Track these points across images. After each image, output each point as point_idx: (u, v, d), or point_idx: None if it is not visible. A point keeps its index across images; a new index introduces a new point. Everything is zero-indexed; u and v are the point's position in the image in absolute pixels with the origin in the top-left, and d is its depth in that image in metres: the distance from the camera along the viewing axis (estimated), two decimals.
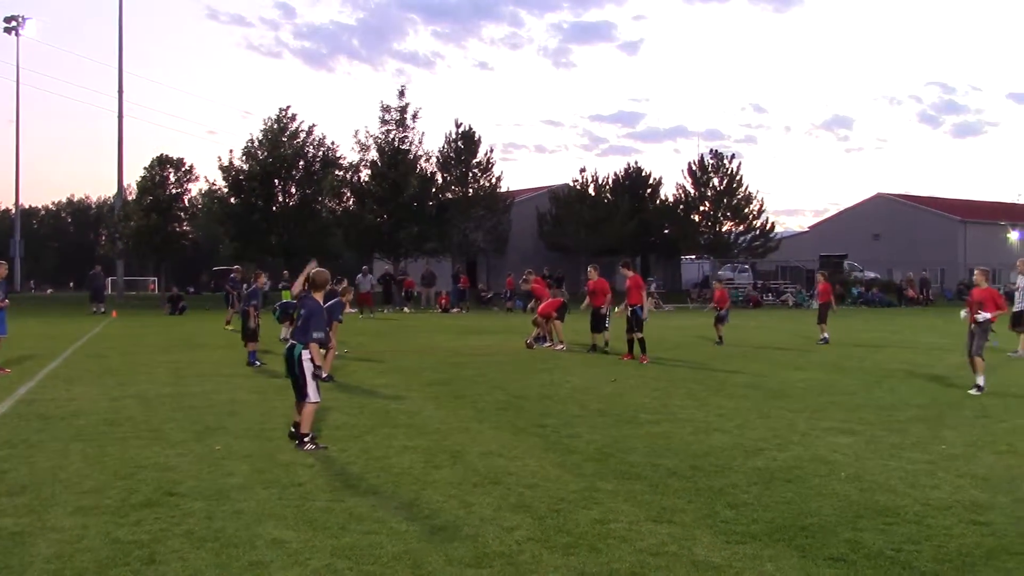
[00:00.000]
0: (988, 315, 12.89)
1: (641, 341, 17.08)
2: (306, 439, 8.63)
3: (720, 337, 21.35)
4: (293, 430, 8.91)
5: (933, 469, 7.74)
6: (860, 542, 5.63)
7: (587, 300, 19.56)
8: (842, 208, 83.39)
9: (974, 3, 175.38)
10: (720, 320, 21.61)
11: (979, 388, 12.55)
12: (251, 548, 5.46)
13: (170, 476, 7.38)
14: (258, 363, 15.82)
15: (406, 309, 40.84)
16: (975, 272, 13.99)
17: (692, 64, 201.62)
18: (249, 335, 16.15)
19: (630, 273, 18.13)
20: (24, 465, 7.80)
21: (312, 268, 9.27)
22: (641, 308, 17.46)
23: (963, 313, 13.28)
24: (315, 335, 8.81)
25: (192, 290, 60.87)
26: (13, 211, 79.95)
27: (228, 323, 26.39)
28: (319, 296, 9.13)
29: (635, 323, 17.31)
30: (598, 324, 19.09)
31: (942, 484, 7.19)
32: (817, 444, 8.87)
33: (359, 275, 38.47)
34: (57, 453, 8.34)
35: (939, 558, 5.33)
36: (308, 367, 8.74)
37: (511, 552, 5.41)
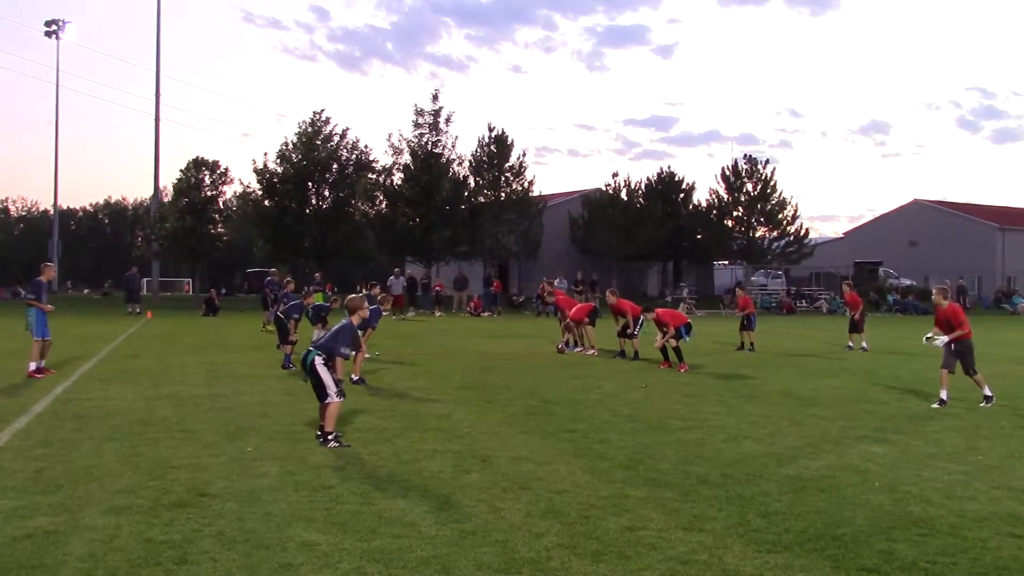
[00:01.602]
0: (945, 339, 12.47)
1: (677, 349, 16.84)
2: (330, 436, 8.84)
3: (749, 344, 21.24)
4: (319, 433, 9.03)
5: (969, 480, 7.64)
6: (894, 553, 5.56)
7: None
8: (878, 214, 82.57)
9: (1015, 7, 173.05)
10: (746, 327, 21.47)
11: (988, 399, 12.28)
12: (281, 550, 5.48)
13: (202, 477, 7.44)
14: (293, 367, 15.88)
15: (437, 312, 40.92)
16: (933, 291, 13.48)
17: (727, 68, 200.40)
18: (285, 339, 16.23)
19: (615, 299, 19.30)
20: (60, 464, 7.89)
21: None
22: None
23: (934, 339, 12.80)
24: (342, 350, 9.20)
25: (225, 291, 61.35)
26: (52, 212, 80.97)
27: (265, 325, 26.52)
28: (354, 319, 9.63)
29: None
30: (624, 330, 19.03)
31: (978, 495, 7.09)
32: (850, 453, 8.78)
33: (391, 277, 38.74)
34: (92, 452, 8.43)
35: (975, 571, 5.25)
36: (323, 371, 8.98)
37: (540, 558, 5.40)
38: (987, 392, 12.29)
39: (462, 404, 11.93)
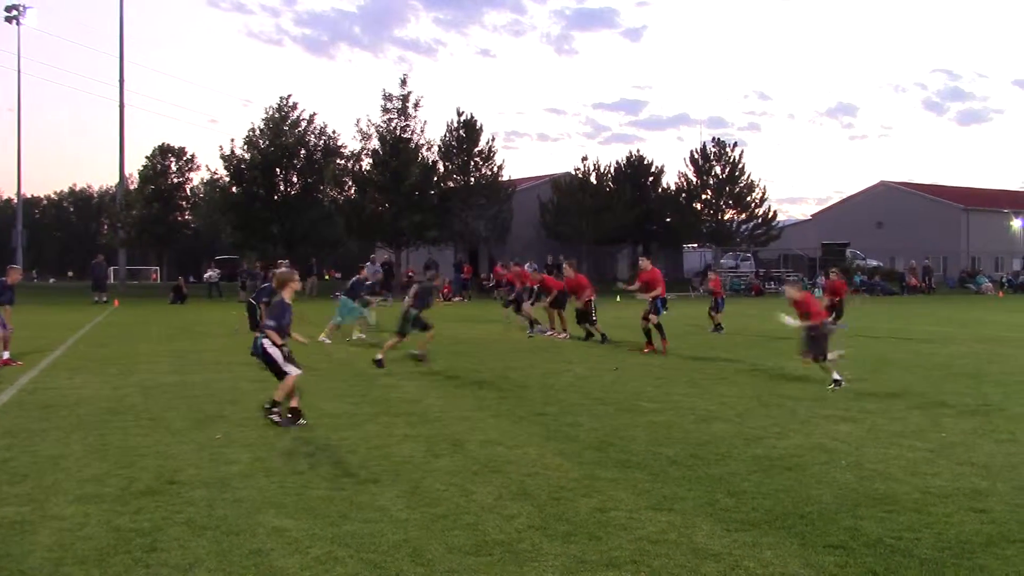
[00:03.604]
0: (793, 321, 12.33)
1: (659, 326, 16.74)
2: (275, 409, 9.13)
3: (719, 324, 21.36)
4: (268, 404, 9.27)
5: (933, 457, 7.74)
6: (860, 530, 5.63)
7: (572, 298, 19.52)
8: (845, 196, 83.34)
9: None
10: (716, 308, 21.63)
11: (837, 383, 11.81)
12: (252, 536, 5.47)
13: (171, 464, 7.40)
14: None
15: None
16: (786, 288, 13.32)
17: (696, 51, 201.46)
18: (255, 324, 16.08)
19: (650, 266, 17.81)
20: (26, 454, 7.81)
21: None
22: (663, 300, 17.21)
23: (787, 319, 12.53)
24: (268, 322, 9.43)
25: (193, 279, 60.96)
26: (15, 201, 79.93)
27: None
28: (285, 293, 9.69)
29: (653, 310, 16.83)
30: (583, 316, 18.99)
31: (942, 472, 7.19)
32: (817, 432, 8.87)
33: (368, 263, 38.67)
34: (59, 442, 8.36)
35: (939, 546, 5.33)
36: (272, 351, 9.19)
37: (511, 540, 5.42)
38: (836, 376, 11.87)
39: (433, 389, 11.93)
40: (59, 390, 11.68)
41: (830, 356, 12.15)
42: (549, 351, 16.97)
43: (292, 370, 9.20)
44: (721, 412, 10.06)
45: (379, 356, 14.07)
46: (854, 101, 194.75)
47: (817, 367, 12.14)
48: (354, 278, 20.45)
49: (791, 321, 12.37)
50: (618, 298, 33.22)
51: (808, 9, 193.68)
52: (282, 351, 9.24)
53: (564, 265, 19.93)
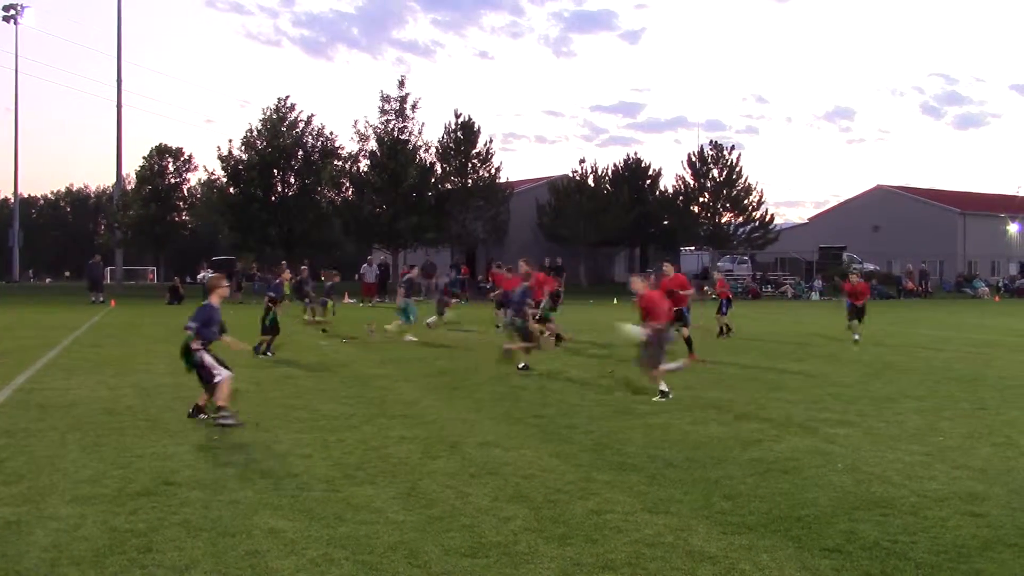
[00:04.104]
0: (640, 329, 11.25)
1: (688, 339, 15.94)
2: (225, 414, 9.12)
3: (726, 327, 21.09)
4: (210, 415, 9.36)
5: (930, 461, 7.75)
6: (856, 533, 5.63)
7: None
8: (842, 200, 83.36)
9: None
10: (722, 311, 21.48)
11: (664, 395, 11.05)
12: (247, 537, 5.46)
13: (167, 465, 7.39)
14: (269, 355, 15.67)
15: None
16: (632, 278, 12.49)
17: (694, 54, 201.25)
18: (265, 327, 15.98)
19: (673, 271, 16.91)
20: (22, 454, 7.80)
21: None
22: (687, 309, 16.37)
23: (630, 329, 11.44)
24: (189, 323, 9.45)
25: (190, 280, 60.88)
26: (12, 200, 79.84)
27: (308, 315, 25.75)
28: (213, 298, 9.84)
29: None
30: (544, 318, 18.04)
31: (938, 476, 7.20)
32: (814, 435, 8.88)
33: (364, 265, 38.81)
34: (55, 442, 8.35)
35: (935, 549, 5.33)
36: (201, 355, 9.30)
37: (507, 542, 5.42)
38: (663, 388, 11.09)
39: (430, 390, 11.92)
40: (56, 390, 11.66)
41: (667, 366, 11.35)
42: (545, 353, 16.95)
43: (224, 373, 9.23)
44: (717, 415, 10.06)
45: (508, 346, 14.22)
46: (852, 105, 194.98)
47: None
48: (406, 277, 20.97)
49: (633, 330, 11.30)
50: (615, 300, 33.23)
51: (806, 13, 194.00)
52: (211, 355, 9.33)
53: (520, 262, 18.69)
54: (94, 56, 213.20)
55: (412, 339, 18.91)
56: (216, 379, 9.19)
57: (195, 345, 9.27)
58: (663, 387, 11.13)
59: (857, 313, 20.08)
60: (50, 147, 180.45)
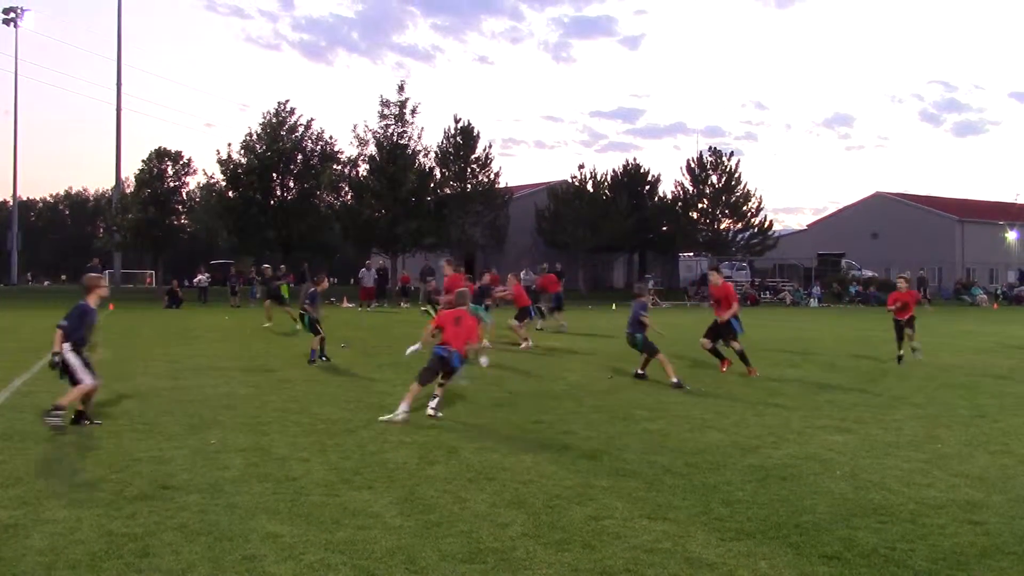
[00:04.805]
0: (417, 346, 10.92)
1: (742, 353, 14.70)
2: (59, 412, 8.88)
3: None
4: (74, 416, 9.19)
5: (928, 468, 7.75)
6: (854, 540, 5.63)
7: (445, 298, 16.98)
8: (841, 207, 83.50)
9: (977, 2, 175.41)
10: None
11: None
12: (245, 542, 5.45)
13: (165, 469, 7.37)
14: (323, 359, 15.51)
15: (403, 304, 40.83)
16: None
17: (693, 60, 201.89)
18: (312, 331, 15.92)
19: (721, 280, 15.48)
20: (19, 457, 7.78)
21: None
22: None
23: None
24: (62, 321, 9.19)
25: (188, 283, 60.85)
26: (11, 203, 79.81)
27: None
28: (90, 299, 9.48)
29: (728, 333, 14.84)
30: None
31: (937, 483, 7.19)
32: (812, 442, 8.87)
33: (363, 269, 38.91)
34: (52, 446, 8.33)
35: (933, 557, 5.33)
36: (70, 357, 9.08)
37: (505, 548, 5.41)
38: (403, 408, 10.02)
39: (428, 395, 11.89)
40: (53, 394, 11.58)
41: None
42: (543, 359, 16.96)
43: (88, 379, 9.09)
44: (716, 421, 10.06)
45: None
46: (851, 112, 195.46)
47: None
48: (479, 284, 20.63)
49: (415, 349, 11.04)
50: (613, 306, 33.21)
51: (806, 19, 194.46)
52: (81, 358, 9.12)
53: (443, 263, 17.84)
54: (94, 59, 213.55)
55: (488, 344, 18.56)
56: (79, 383, 9.00)
57: (57, 347, 9.01)
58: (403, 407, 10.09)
59: (904, 327, 16.81)
60: (49, 150, 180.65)
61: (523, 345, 18.95)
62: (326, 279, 17.03)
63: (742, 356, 14.65)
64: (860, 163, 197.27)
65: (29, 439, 8.59)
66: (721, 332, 14.86)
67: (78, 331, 9.21)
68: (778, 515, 6.18)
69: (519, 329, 19.60)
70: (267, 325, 24.49)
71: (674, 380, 12.87)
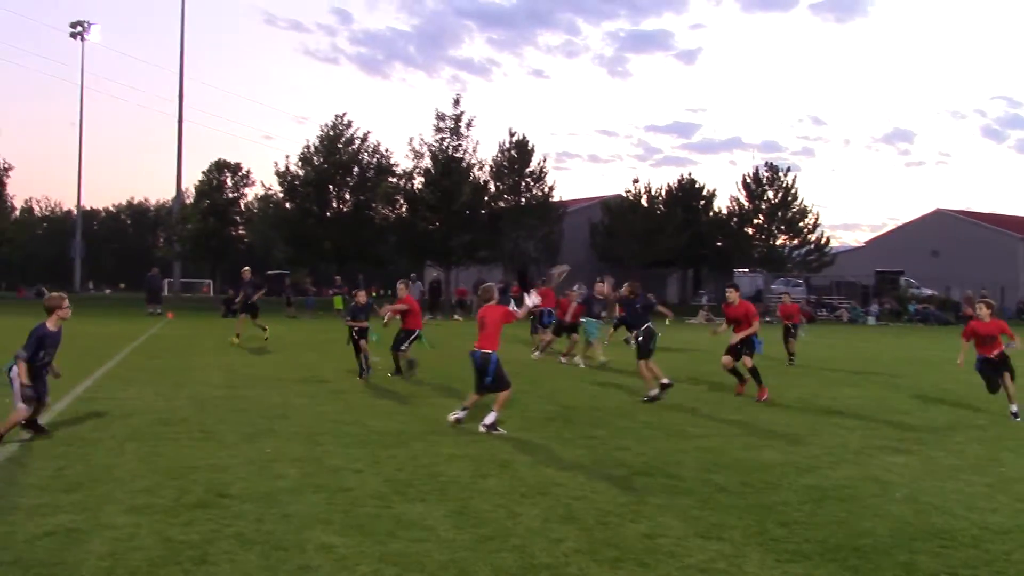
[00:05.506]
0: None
1: (754, 370, 14.01)
2: None
3: (791, 354, 20.30)
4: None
5: (992, 492, 7.56)
6: (915, 565, 5.51)
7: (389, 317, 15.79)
8: (900, 223, 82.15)
9: None
10: (790, 335, 20.62)
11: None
12: (300, 552, 5.49)
13: (221, 478, 7.46)
14: (370, 371, 15.35)
15: (456, 317, 41.01)
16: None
17: (750, 74, 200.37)
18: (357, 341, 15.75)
19: (738, 299, 14.83)
20: (80, 463, 7.93)
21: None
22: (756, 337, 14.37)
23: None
24: (20, 351, 8.95)
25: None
26: (75, 212, 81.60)
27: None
28: (50, 322, 9.22)
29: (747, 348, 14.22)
30: (398, 343, 15.76)
31: (1001, 508, 7.02)
32: (871, 463, 8.72)
33: (409, 281, 38.99)
34: (112, 452, 8.47)
35: None
36: (15, 382, 8.88)
37: (558, 564, 5.38)
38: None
39: (480, 409, 11.90)
40: (113, 400, 11.85)
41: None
42: (597, 373, 16.88)
43: (22, 409, 8.83)
44: (771, 440, 9.92)
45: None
46: (911, 127, 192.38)
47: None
48: (586, 295, 20.62)
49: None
50: (667, 321, 32.94)
51: (865, 34, 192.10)
52: (25, 389, 8.81)
53: (399, 284, 16.98)
54: (157, 72, 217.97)
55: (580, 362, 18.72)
56: (15, 404, 8.82)
57: (26, 380, 8.82)
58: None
59: (994, 368, 12.55)
60: (113, 161, 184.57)
61: (556, 356, 19.40)
62: (362, 293, 16.93)
63: (754, 374, 13.90)
64: (920, 179, 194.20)
65: (90, 445, 8.74)
66: (740, 348, 14.22)
67: (36, 356, 9.01)
68: (836, 537, 6.07)
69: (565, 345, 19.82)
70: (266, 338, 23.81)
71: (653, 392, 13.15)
